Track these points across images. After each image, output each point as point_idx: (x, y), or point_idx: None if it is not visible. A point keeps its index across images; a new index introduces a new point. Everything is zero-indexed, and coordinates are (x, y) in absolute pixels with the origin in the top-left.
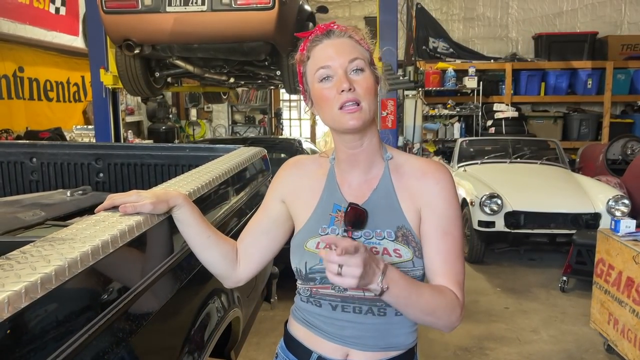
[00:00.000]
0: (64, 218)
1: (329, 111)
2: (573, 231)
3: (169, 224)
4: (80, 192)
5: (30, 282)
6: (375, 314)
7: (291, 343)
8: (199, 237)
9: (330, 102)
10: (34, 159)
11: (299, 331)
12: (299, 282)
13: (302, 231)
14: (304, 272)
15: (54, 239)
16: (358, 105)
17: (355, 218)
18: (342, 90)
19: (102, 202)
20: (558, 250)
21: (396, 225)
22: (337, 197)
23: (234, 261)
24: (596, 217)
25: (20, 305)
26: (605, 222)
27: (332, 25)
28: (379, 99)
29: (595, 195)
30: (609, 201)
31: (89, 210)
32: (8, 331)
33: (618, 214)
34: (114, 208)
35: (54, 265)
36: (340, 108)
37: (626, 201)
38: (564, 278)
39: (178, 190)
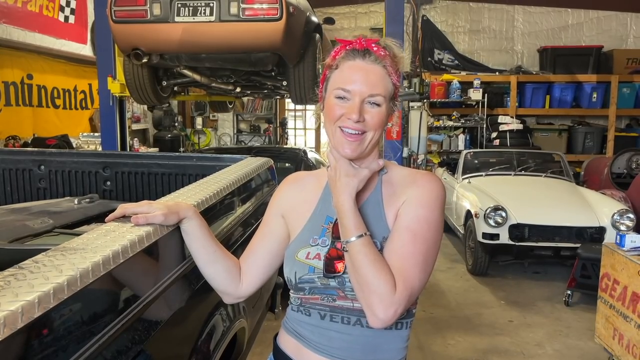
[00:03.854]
0: (72, 226)
1: (331, 125)
2: (578, 245)
3: (177, 235)
4: (87, 200)
5: (44, 292)
6: (363, 326)
7: (279, 356)
8: (205, 250)
9: (336, 119)
10: (42, 167)
11: (288, 343)
12: (290, 291)
13: (294, 241)
14: (293, 282)
15: (66, 248)
16: (361, 134)
17: None
18: (349, 119)
19: (109, 210)
20: (562, 263)
21: (382, 235)
22: (330, 209)
23: (237, 278)
24: (601, 230)
25: (33, 315)
26: (610, 236)
27: (373, 45)
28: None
29: (600, 209)
30: (613, 215)
31: (97, 219)
32: (22, 340)
33: (623, 228)
34: (124, 217)
35: (66, 275)
36: (342, 129)
37: (631, 215)
38: (569, 292)
39: (186, 201)
